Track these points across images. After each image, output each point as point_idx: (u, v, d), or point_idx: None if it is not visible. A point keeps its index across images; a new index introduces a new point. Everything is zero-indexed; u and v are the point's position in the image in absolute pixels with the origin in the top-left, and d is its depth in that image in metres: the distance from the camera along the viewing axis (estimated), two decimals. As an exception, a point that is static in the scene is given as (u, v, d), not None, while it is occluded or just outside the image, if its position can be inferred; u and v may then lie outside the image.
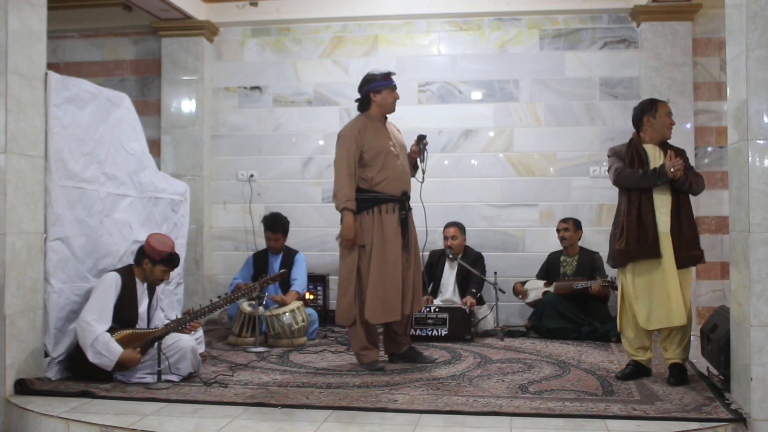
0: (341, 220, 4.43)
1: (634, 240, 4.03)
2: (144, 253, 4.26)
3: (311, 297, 6.28)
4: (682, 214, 4.02)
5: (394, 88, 4.56)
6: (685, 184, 4.01)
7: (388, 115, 4.64)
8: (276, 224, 5.86)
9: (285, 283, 5.75)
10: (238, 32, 6.85)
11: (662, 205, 4.05)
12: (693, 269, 4.10)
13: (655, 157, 4.14)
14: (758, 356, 3.32)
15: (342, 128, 4.59)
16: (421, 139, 4.61)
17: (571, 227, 5.91)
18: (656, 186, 4.04)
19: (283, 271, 5.49)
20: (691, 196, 4.13)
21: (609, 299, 5.70)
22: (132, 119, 4.89)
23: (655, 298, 4.01)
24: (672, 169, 3.93)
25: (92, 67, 6.94)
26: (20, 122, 3.88)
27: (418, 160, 4.61)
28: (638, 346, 4.19)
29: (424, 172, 4.60)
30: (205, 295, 6.46)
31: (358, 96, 4.62)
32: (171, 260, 4.28)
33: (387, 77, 4.53)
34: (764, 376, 3.31)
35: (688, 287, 4.04)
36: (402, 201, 4.50)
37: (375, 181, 4.43)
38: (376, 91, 4.52)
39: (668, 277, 3.98)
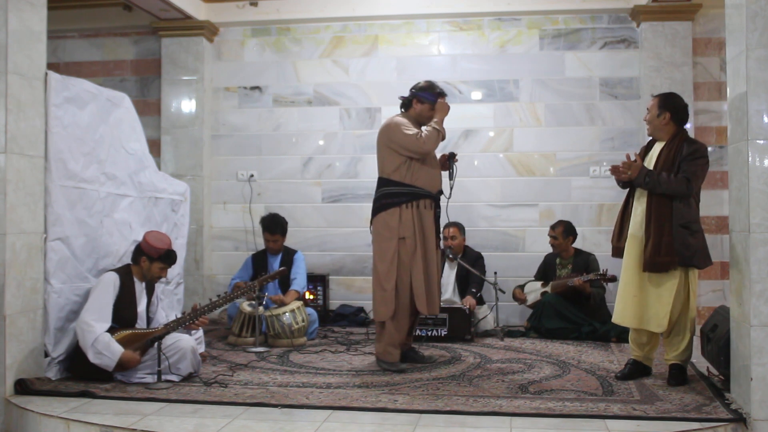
0: (434, 128, 4.40)
1: (617, 237, 4.20)
2: (141, 250, 4.26)
3: (311, 297, 6.28)
4: (652, 218, 3.94)
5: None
6: (643, 186, 3.97)
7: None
8: (274, 225, 5.85)
9: (285, 283, 5.75)
10: (238, 32, 6.85)
11: (637, 207, 4.09)
12: (679, 273, 3.93)
13: (654, 154, 4.13)
14: (758, 356, 3.32)
15: (391, 119, 4.53)
16: (452, 157, 4.63)
17: (559, 235, 5.88)
18: (622, 186, 4.24)
19: (282, 268, 5.49)
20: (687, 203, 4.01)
21: (592, 297, 5.66)
22: (132, 119, 4.89)
23: (631, 297, 4.06)
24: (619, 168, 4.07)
25: (92, 67, 6.94)
26: (20, 122, 3.88)
27: (447, 176, 4.60)
28: (632, 339, 4.25)
29: (451, 189, 4.57)
30: (205, 295, 6.46)
31: (398, 89, 4.71)
32: (169, 257, 4.28)
33: (439, 95, 4.54)
34: (764, 376, 3.31)
35: (669, 292, 3.93)
36: (437, 199, 4.53)
37: (415, 177, 4.42)
38: (420, 101, 4.53)
39: (632, 279, 4.04)
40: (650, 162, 4.10)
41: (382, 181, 4.50)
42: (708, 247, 4.04)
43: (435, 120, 4.47)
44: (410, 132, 4.38)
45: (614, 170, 4.13)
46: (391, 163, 4.44)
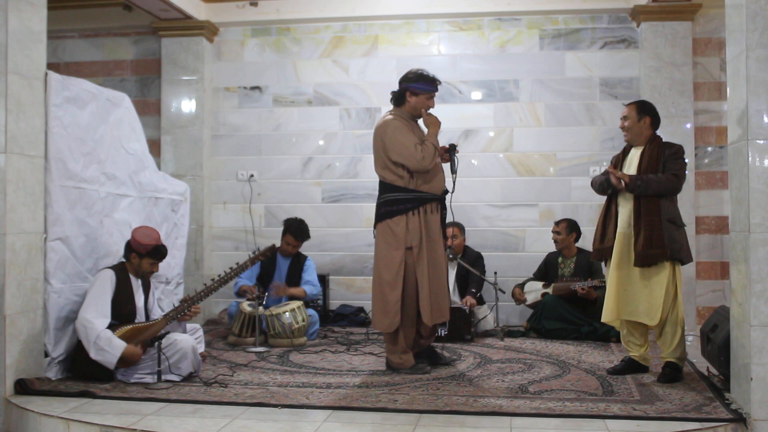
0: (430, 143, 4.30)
1: (599, 239, 4.27)
2: (130, 247, 4.27)
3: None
4: (642, 214, 4.03)
5: (433, 95, 4.43)
6: (635, 191, 4.05)
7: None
8: (302, 233, 5.79)
9: (292, 282, 5.74)
10: (238, 32, 6.85)
11: (624, 205, 4.17)
12: (668, 267, 4.00)
13: (633, 158, 4.22)
14: (758, 356, 3.32)
15: (383, 120, 4.38)
16: (453, 149, 4.46)
17: (562, 231, 5.89)
18: (607, 193, 4.28)
19: (272, 244, 5.35)
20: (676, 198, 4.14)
21: (597, 301, 5.67)
22: (132, 119, 4.89)
23: (617, 292, 4.13)
24: (612, 180, 4.12)
25: (92, 67, 6.94)
26: (20, 122, 3.88)
27: (450, 169, 4.46)
28: (627, 341, 4.30)
29: (455, 182, 4.43)
30: (205, 295, 6.45)
31: (396, 88, 4.44)
32: (157, 252, 4.28)
33: (432, 83, 4.36)
34: (764, 376, 3.31)
35: (660, 286, 4.01)
36: (442, 200, 4.40)
37: (420, 181, 4.29)
38: (414, 92, 4.35)
39: (620, 275, 4.11)
40: (630, 166, 4.22)
41: (385, 187, 4.35)
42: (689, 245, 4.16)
43: (429, 135, 4.34)
44: (409, 147, 4.22)
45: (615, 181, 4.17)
46: (392, 169, 4.30)
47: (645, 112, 4.21)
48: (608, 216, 4.25)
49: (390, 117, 4.40)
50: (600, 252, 4.27)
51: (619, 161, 4.29)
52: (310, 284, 5.77)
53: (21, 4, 3.91)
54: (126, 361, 4.01)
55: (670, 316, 4.06)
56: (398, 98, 4.42)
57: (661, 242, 3.98)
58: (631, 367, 4.26)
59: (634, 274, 4.09)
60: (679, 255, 4.03)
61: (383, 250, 4.32)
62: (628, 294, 4.10)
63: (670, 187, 4.04)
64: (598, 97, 6.42)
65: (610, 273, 4.18)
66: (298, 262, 5.84)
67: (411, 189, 4.29)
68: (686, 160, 4.19)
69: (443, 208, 4.43)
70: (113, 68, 6.96)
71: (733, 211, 3.61)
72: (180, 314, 4.24)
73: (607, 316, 4.21)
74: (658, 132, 4.26)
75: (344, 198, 6.68)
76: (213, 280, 4.52)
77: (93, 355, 3.95)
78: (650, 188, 4.02)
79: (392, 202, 4.30)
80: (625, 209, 4.15)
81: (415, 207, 4.28)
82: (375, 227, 4.43)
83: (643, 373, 4.25)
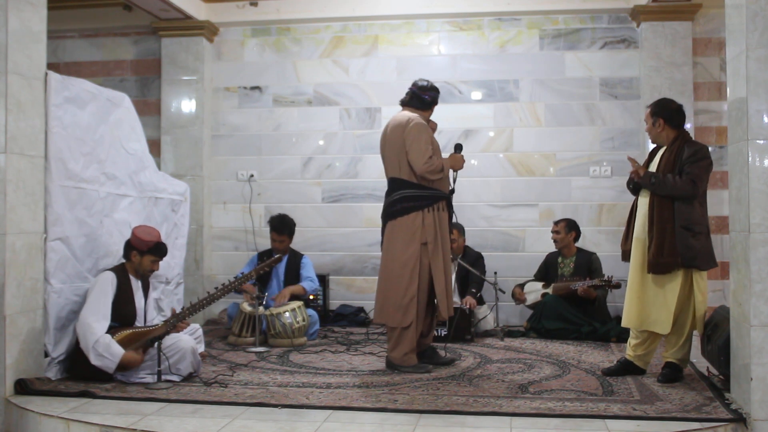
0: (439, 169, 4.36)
1: (624, 240, 4.27)
2: (131, 245, 4.26)
3: (312, 297, 6.26)
4: (655, 220, 3.99)
5: None
6: (649, 187, 4.02)
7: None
8: (282, 226, 5.80)
9: (290, 282, 5.74)
10: (238, 32, 6.85)
11: (641, 210, 4.14)
12: (682, 275, 3.97)
13: (657, 158, 4.19)
14: (758, 356, 3.32)
15: (406, 118, 4.45)
16: (459, 149, 4.57)
17: (561, 230, 5.89)
18: (630, 186, 4.27)
19: (278, 256, 5.39)
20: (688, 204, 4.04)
21: (597, 301, 5.68)
22: (132, 119, 4.89)
23: (636, 299, 4.10)
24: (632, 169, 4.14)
25: (92, 67, 6.94)
26: (20, 122, 3.88)
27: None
28: (632, 336, 4.27)
29: (455, 181, 4.54)
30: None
31: (425, 95, 4.58)
32: (158, 249, 4.28)
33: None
34: (764, 376, 3.31)
35: (673, 294, 3.98)
36: (450, 199, 4.49)
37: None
38: (435, 104, 4.63)
39: (636, 280, 4.09)
40: (653, 167, 4.17)
41: (400, 183, 4.39)
42: (712, 249, 4.05)
43: (444, 160, 4.42)
44: (422, 149, 4.29)
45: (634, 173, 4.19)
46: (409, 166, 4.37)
47: (657, 113, 4.15)
48: (631, 217, 4.23)
49: (414, 116, 4.47)
50: (625, 254, 4.24)
51: (648, 161, 4.26)
52: (308, 279, 5.78)
53: (21, 4, 3.91)
54: (126, 367, 4.00)
55: (678, 321, 4.04)
56: (430, 103, 4.59)
57: (672, 251, 3.91)
58: (626, 368, 4.23)
59: (648, 280, 4.05)
60: (694, 263, 3.94)
61: (399, 247, 4.37)
62: (642, 301, 4.07)
63: (683, 192, 3.96)
64: (598, 97, 6.41)
65: (629, 277, 4.16)
66: (294, 262, 5.83)
67: (426, 186, 4.37)
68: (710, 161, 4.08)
69: (450, 207, 4.50)
70: (113, 68, 6.96)
71: (733, 211, 3.61)
72: (180, 320, 4.23)
73: (626, 321, 4.16)
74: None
75: (344, 198, 6.68)
76: (216, 288, 4.52)
77: (93, 360, 3.95)
78: (664, 188, 3.97)
79: (408, 198, 4.36)
80: (641, 213, 4.12)
81: (430, 204, 4.36)
82: (385, 225, 4.46)
83: (639, 375, 4.22)
